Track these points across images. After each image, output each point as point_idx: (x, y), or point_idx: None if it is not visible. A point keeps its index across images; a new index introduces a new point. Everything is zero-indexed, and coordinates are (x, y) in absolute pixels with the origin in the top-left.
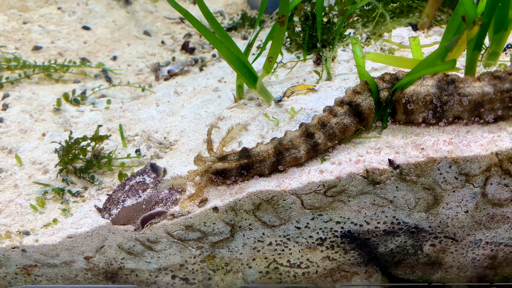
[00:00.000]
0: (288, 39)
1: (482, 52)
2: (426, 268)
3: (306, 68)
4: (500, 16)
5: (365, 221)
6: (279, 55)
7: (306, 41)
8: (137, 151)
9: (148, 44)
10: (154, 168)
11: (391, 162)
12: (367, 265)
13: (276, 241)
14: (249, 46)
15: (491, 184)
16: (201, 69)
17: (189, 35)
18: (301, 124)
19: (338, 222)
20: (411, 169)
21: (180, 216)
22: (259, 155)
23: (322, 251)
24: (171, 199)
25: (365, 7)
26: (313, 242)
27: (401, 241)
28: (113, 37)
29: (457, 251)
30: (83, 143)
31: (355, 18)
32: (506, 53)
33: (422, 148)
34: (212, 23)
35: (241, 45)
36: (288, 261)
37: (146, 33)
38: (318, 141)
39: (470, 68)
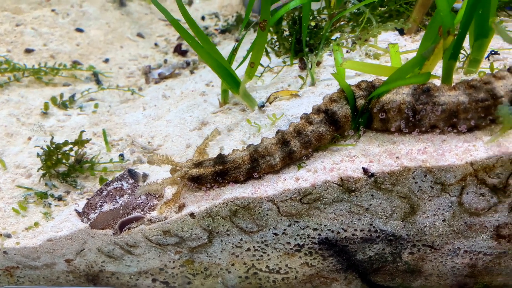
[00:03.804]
0: (277, 43)
1: (464, 59)
2: (406, 275)
3: (292, 73)
4: (480, 23)
5: (342, 228)
6: (268, 60)
7: (292, 46)
8: (121, 155)
9: (141, 46)
10: (132, 174)
11: (365, 171)
12: (346, 272)
13: (254, 247)
14: (234, 50)
15: (467, 193)
16: (192, 72)
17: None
18: (278, 131)
19: (315, 229)
20: (386, 178)
21: (158, 221)
22: (234, 162)
23: (300, 257)
24: (148, 204)
25: (353, 11)
26: (291, 248)
27: (379, 249)
28: (106, 39)
29: (436, 259)
30: (65, 148)
31: (342, 23)
32: (489, 60)
33: (397, 157)
34: (194, 29)
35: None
36: (267, 266)
37: (140, 35)
38: (293, 148)
39: (446, 77)
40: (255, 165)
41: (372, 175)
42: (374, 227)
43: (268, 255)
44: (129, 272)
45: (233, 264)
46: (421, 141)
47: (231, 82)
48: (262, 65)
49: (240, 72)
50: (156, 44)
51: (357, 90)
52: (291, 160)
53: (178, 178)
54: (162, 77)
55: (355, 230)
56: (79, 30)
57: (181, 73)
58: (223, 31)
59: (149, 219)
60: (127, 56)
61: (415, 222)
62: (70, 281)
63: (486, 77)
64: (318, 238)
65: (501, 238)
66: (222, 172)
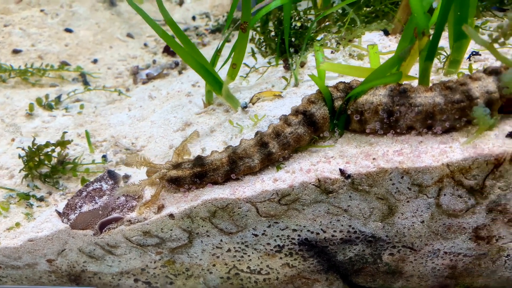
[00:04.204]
0: (264, 44)
1: (444, 60)
2: (387, 276)
3: (277, 73)
4: (459, 24)
5: (321, 229)
6: (254, 60)
7: (278, 46)
8: (104, 156)
9: (131, 46)
10: (111, 175)
11: (342, 172)
12: (327, 273)
13: (234, 247)
14: (218, 51)
15: (444, 195)
16: (180, 72)
17: (172, 37)
18: (257, 133)
19: (294, 230)
20: (363, 179)
21: (137, 222)
22: (212, 164)
23: (281, 258)
24: (127, 205)
25: (338, 11)
26: (271, 249)
27: (359, 250)
28: (96, 39)
29: (416, 260)
30: (47, 149)
31: (327, 23)
32: (470, 60)
33: (374, 158)
34: (175, 30)
35: (224, 47)
36: (248, 267)
37: (130, 35)
38: (272, 150)
39: (423, 78)
40: (234, 167)
41: (349, 176)
42: (353, 228)
43: (249, 255)
44: (111, 272)
45: (214, 265)
46: (398, 142)
47: (213, 83)
48: (248, 66)
49: (225, 72)
50: (145, 44)
51: (335, 91)
52: (270, 161)
53: (157, 180)
54: (150, 78)
55: (334, 231)
56: (68, 30)
57: (169, 73)
58: (213, 31)
59: (128, 220)
60: (116, 56)
61: (394, 224)
62: (53, 281)
63: (462, 78)
64: (298, 239)
65: (480, 240)
66: (201, 174)
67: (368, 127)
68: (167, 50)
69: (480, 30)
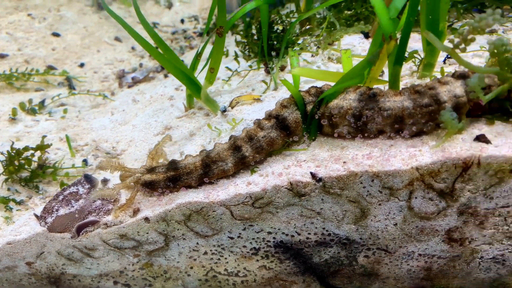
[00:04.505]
0: (247, 47)
1: (418, 63)
2: (363, 278)
3: (259, 77)
4: (432, 27)
5: (296, 232)
6: (236, 64)
7: (259, 50)
8: (84, 161)
9: (118, 50)
10: (88, 179)
11: (313, 175)
12: (304, 275)
13: (211, 250)
14: (198, 55)
15: (415, 198)
16: (166, 76)
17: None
18: (231, 137)
19: (269, 233)
20: (334, 182)
21: (113, 225)
22: (186, 168)
23: (257, 260)
24: (103, 209)
25: (322, 14)
26: (247, 252)
27: (335, 252)
28: (83, 43)
29: (392, 262)
30: (27, 153)
31: (308, 27)
32: (445, 63)
33: (344, 162)
34: (152, 35)
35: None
36: (226, 269)
37: (117, 39)
38: (245, 154)
39: (393, 82)
40: (208, 171)
41: (320, 179)
42: (327, 230)
43: (226, 258)
44: (90, 275)
45: (191, 267)
46: (369, 146)
47: (192, 87)
48: (230, 70)
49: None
50: (133, 48)
51: (307, 96)
52: (244, 165)
53: (132, 184)
54: (135, 81)
55: (309, 233)
56: (56, 34)
57: (155, 77)
58: (201, 34)
59: (105, 223)
60: (103, 60)
61: (367, 226)
62: (33, 284)
63: (431, 82)
64: (273, 242)
65: (453, 242)
66: (174, 177)
67: (341, 131)
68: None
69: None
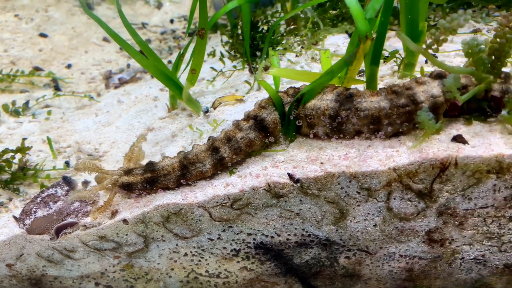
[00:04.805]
0: (233, 47)
1: (399, 63)
2: (345, 279)
3: (243, 77)
4: (411, 28)
5: (276, 233)
6: (222, 64)
7: (244, 50)
8: (66, 162)
9: (106, 51)
10: (67, 181)
11: (290, 176)
12: (285, 276)
13: (191, 252)
14: (181, 56)
15: (394, 198)
16: (152, 76)
17: (148, 41)
18: (209, 138)
19: (249, 234)
20: (312, 183)
21: (92, 227)
22: (163, 169)
23: (238, 261)
24: (82, 210)
25: (302, 14)
26: (228, 253)
27: (315, 253)
28: (71, 44)
29: (373, 263)
30: (7, 156)
31: (293, 27)
32: (426, 63)
33: (321, 163)
34: (133, 35)
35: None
36: (207, 271)
37: (106, 39)
38: (223, 155)
39: (370, 82)
40: (185, 172)
41: (298, 180)
42: (306, 231)
43: (206, 260)
44: (71, 276)
45: (172, 269)
46: (347, 146)
47: (173, 88)
48: (215, 70)
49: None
50: (121, 48)
51: (285, 96)
52: (222, 166)
53: (109, 185)
54: (122, 82)
55: (289, 234)
56: (43, 35)
57: (142, 77)
58: (190, 34)
59: (83, 225)
60: (91, 61)
61: (347, 227)
62: (14, 286)
63: (408, 82)
64: (254, 243)
65: (433, 243)
66: (152, 179)
67: (319, 132)
68: (143, 53)
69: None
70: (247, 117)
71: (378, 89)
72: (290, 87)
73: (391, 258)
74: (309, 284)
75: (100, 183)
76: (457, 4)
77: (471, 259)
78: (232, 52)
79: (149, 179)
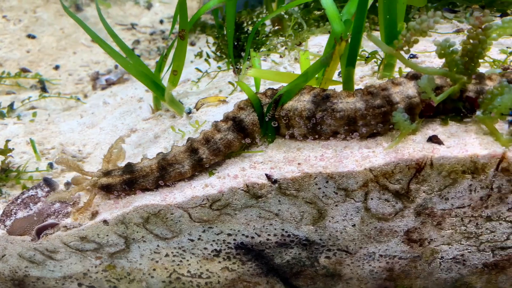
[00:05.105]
0: (219, 48)
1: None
2: (327, 279)
3: (228, 78)
4: (390, 28)
5: (256, 233)
6: (207, 65)
7: (229, 51)
8: (49, 164)
9: (95, 52)
10: (47, 182)
11: (268, 177)
12: (267, 276)
13: (172, 252)
14: (164, 57)
15: (371, 199)
16: None
17: (137, 41)
18: (188, 139)
19: (229, 234)
20: (289, 184)
21: (73, 228)
22: (142, 170)
23: (219, 262)
24: (63, 211)
25: (286, 15)
26: (209, 254)
27: (296, 253)
28: (59, 45)
29: (353, 263)
30: None
31: (277, 27)
32: None
33: (299, 163)
34: (113, 37)
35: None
36: (189, 271)
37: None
38: (202, 156)
39: (346, 83)
40: (164, 173)
41: (276, 181)
42: (286, 232)
43: (188, 260)
44: (54, 277)
45: (154, 269)
46: (324, 147)
47: (155, 89)
48: (200, 71)
49: (181, 77)
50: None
51: (263, 97)
52: (201, 167)
53: (88, 187)
54: (109, 83)
55: (269, 235)
56: (31, 36)
57: (129, 78)
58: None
59: (64, 226)
60: (79, 62)
61: (326, 227)
62: None
63: (384, 83)
64: (234, 243)
65: (412, 242)
66: (130, 180)
67: (297, 133)
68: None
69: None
70: (226, 118)
71: (355, 90)
72: (269, 89)
73: (371, 258)
74: (291, 284)
75: (77, 184)
76: (441, 4)
77: (451, 259)
78: (218, 53)
79: (128, 180)
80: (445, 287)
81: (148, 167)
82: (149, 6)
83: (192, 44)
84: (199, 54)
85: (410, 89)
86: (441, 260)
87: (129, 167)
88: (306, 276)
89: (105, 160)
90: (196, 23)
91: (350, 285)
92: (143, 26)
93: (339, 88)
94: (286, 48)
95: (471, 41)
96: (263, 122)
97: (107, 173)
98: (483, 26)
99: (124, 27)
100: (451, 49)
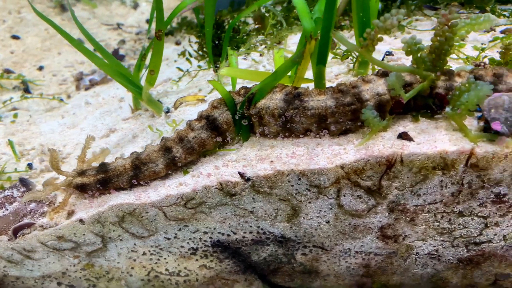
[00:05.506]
0: (200, 47)
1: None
2: (304, 276)
3: (208, 77)
4: (363, 26)
5: (231, 231)
6: (187, 64)
7: (208, 49)
8: (29, 165)
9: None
10: (23, 182)
11: (241, 175)
12: (245, 273)
13: (149, 251)
14: (142, 57)
15: (344, 195)
16: None
17: (123, 41)
18: (162, 138)
19: (205, 233)
20: (262, 182)
21: (50, 227)
22: (116, 170)
23: (197, 260)
24: (39, 211)
25: (265, 13)
26: (186, 252)
27: (272, 250)
28: (44, 46)
29: (330, 260)
30: None
31: (257, 26)
32: (383, 60)
33: (271, 161)
34: (89, 39)
35: (171, 50)
36: (167, 269)
37: (80, 40)
38: (176, 155)
39: (318, 81)
40: (138, 172)
41: (249, 179)
42: (262, 229)
43: (165, 258)
44: (33, 276)
45: (132, 268)
46: (296, 145)
47: (133, 89)
48: (181, 70)
49: (163, 76)
50: (94, 50)
51: (236, 96)
52: (176, 166)
53: (63, 187)
54: (93, 83)
55: (244, 232)
56: (15, 37)
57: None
58: (166, 34)
59: (41, 225)
60: (64, 62)
61: (301, 224)
62: None
63: (354, 81)
64: (210, 241)
65: (387, 239)
66: (105, 180)
67: (270, 131)
68: (115, 55)
69: (406, 29)
70: (200, 117)
71: (326, 88)
72: (242, 87)
73: (347, 255)
74: (269, 281)
75: (48, 185)
76: (422, 1)
77: (426, 254)
78: (200, 52)
79: (102, 179)
80: (421, 282)
81: (122, 166)
82: (135, 6)
83: (178, 43)
84: (183, 53)
85: (380, 86)
86: (416, 256)
87: (103, 167)
88: (284, 273)
89: (79, 160)
90: (182, 22)
91: (327, 282)
92: (129, 25)
93: (312, 86)
94: (265, 47)
95: (438, 38)
96: (236, 120)
97: (81, 173)
98: (449, 24)
99: (110, 27)
100: (417, 46)
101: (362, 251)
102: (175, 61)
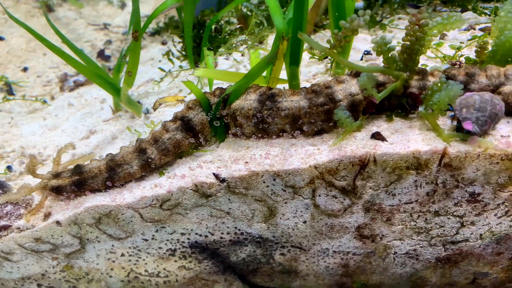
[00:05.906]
0: (184, 48)
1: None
2: (284, 276)
3: (190, 77)
4: (337, 26)
5: (209, 232)
6: (171, 64)
7: (187, 50)
8: (8, 167)
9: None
10: (0, 185)
11: (216, 176)
12: (224, 274)
13: (127, 252)
14: (123, 57)
15: (319, 195)
16: None
17: (109, 42)
18: (137, 140)
19: (183, 234)
20: (238, 182)
21: (27, 229)
22: (90, 172)
23: (175, 261)
24: (15, 213)
25: (248, 12)
26: (164, 253)
27: (250, 251)
28: (29, 47)
29: (308, 259)
30: None
31: (238, 26)
32: (362, 60)
33: (246, 162)
34: (65, 42)
35: (157, 50)
36: (146, 270)
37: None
38: (151, 156)
39: (291, 81)
40: (113, 174)
41: (224, 180)
42: (239, 230)
43: (144, 259)
44: (13, 278)
45: (112, 269)
46: (271, 145)
47: (111, 90)
48: (163, 70)
49: (146, 77)
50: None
51: (211, 97)
52: (151, 167)
53: (38, 189)
54: (77, 84)
55: (222, 233)
56: (0, 38)
57: None
58: (153, 34)
59: (17, 227)
60: (49, 63)
61: (278, 224)
62: None
63: (328, 81)
64: (188, 242)
65: (364, 238)
66: (80, 181)
67: (245, 131)
68: (101, 55)
69: (388, 28)
70: (175, 118)
71: (300, 88)
72: (217, 88)
73: (325, 254)
74: (249, 282)
75: (22, 190)
76: (405, 0)
77: (404, 254)
78: (183, 52)
79: (77, 181)
80: (401, 282)
81: (97, 168)
82: (122, 6)
83: (164, 43)
84: (167, 53)
85: (353, 86)
86: (394, 256)
87: (78, 169)
88: (263, 273)
89: (54, 162)
90: (169, 22)
91: (307, 282)
92: (116, 26)
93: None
94: (246, 47)
95: (409, 38)
96: (212, 121)
97: (56, 175)
98: (420, 23)
99: (97, 27)
100: (387, 46)
101: (340, 251)
102: (160, 61)
